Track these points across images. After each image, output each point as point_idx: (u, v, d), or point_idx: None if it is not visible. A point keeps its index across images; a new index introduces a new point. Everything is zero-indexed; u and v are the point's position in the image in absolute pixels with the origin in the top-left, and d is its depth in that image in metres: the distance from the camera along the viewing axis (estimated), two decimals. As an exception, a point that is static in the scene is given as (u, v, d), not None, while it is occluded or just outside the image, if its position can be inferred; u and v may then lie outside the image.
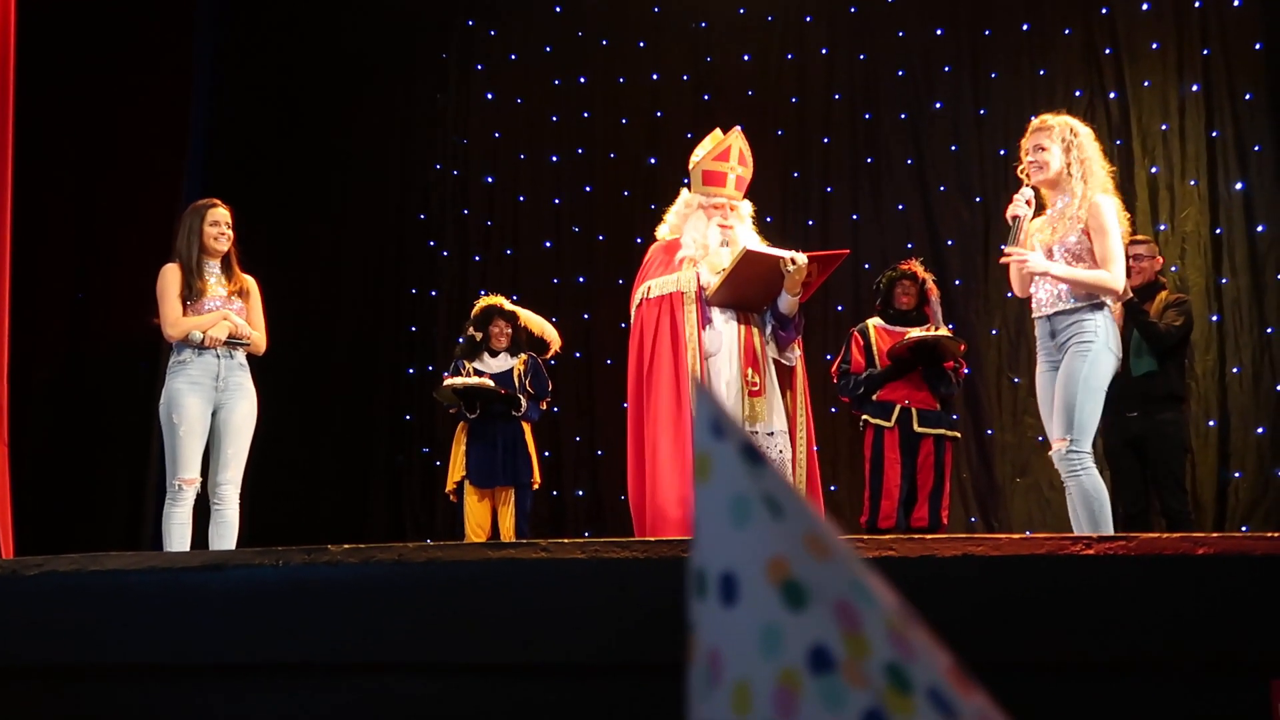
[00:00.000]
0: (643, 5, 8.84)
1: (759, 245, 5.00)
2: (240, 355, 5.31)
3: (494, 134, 9.07)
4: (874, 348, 6.57)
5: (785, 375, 5.12)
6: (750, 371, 4.95)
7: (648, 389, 4.94)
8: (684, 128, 8.62)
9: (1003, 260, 4.65)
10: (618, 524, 8.26)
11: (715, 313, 4.98)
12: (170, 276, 5.29)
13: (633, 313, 5.12)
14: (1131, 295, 6.10)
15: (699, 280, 4.96)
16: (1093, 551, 3.00)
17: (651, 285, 5.06)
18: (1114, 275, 4.45)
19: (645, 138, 8.78)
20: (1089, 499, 4.53)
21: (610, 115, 8.88)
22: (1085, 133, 4.67)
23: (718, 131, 5.32)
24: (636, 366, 5.04)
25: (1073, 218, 4.55)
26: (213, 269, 5.34)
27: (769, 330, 5.09)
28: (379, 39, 9.14)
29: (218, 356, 5.23)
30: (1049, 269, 4.54)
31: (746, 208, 5.23)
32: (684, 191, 5.28)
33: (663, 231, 5.31)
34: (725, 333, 4.97)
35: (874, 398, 6.50)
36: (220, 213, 5.35)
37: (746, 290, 4.96)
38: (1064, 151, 4.62)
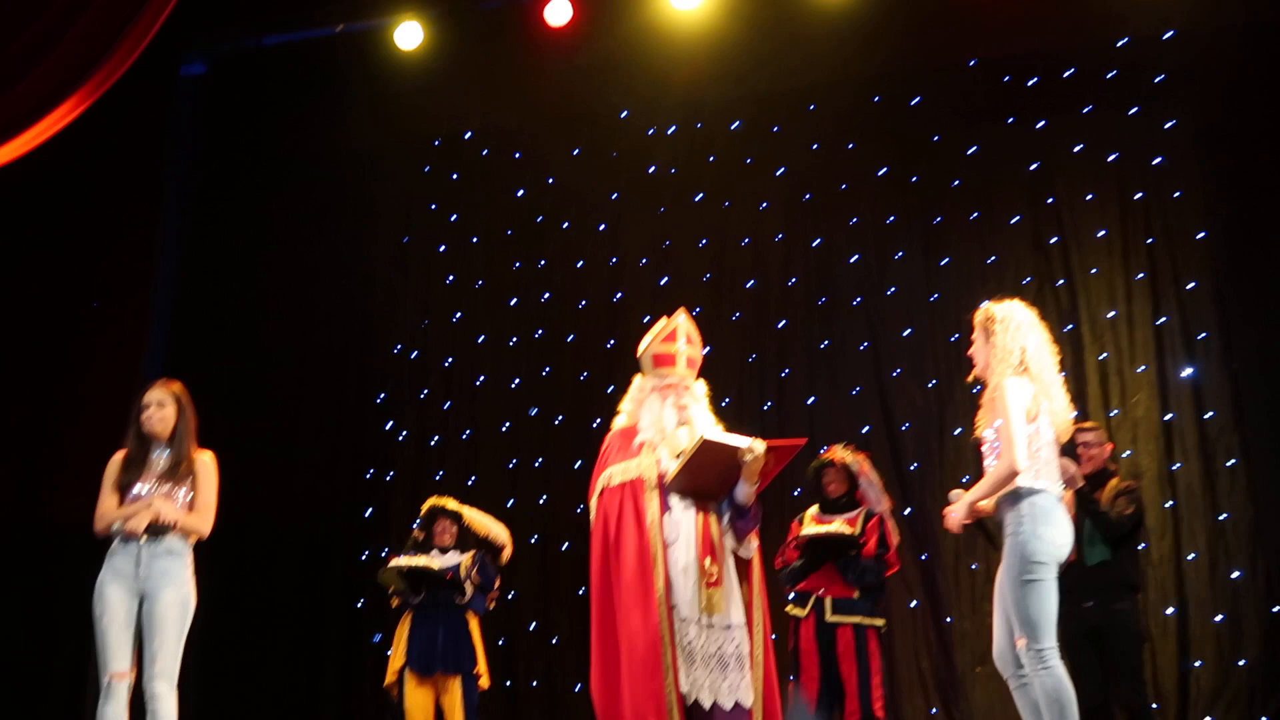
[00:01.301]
0: (602, 190, 9.02)
1: (717, 434, 4.96)
2: (170, 542, 5.15)
3: (454, 316, 9.14)
4: None
5: (743, 566, 5.04)
6: (708, 561, 4.87)
7: (614, 577, 4.86)
8: (643, 310, 8.72)
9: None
10: (573, 716, 8.07)
11: (674, 500, 4.92)
12: (110, 467, 5.24)
13: (594, 502, 5.06)
14: (1082, 483, 6.12)
15: (659, 466, 4.93)
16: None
17: (613, 472, 5.01)
18: (1005, 461, 4.53)
19: (604, 320, 8.85)
20: (1051, 697, 4.45)
21: (569, 298, 8.98)
22: (1006, 318, 4.77)
23: (664, 319, 5.35)
24: (601, 555, 4.96)
25: (988, 407, 4.65)
26: (158, 451, 5.26)
27: (726, 520, 5.01)
28: (342, 220, 9.29)
29: (139, 546, 5.13)
30: (964, 506, 4.68)
31: (700, 388, 5.23)
32: (636, 378, 5.29)
33: (620, 420, 5.29)
34: (684, 521, 4.90)
35: (796, 588, 6.46)
36: (152, 394, 5.27)
37: (704, 479, 4.92)
38: (985, 342, 4.74)
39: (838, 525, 6.41)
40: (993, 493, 4.62)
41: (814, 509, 6.68)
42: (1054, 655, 4.47)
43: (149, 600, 5.11)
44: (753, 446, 4.81)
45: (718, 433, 4.99)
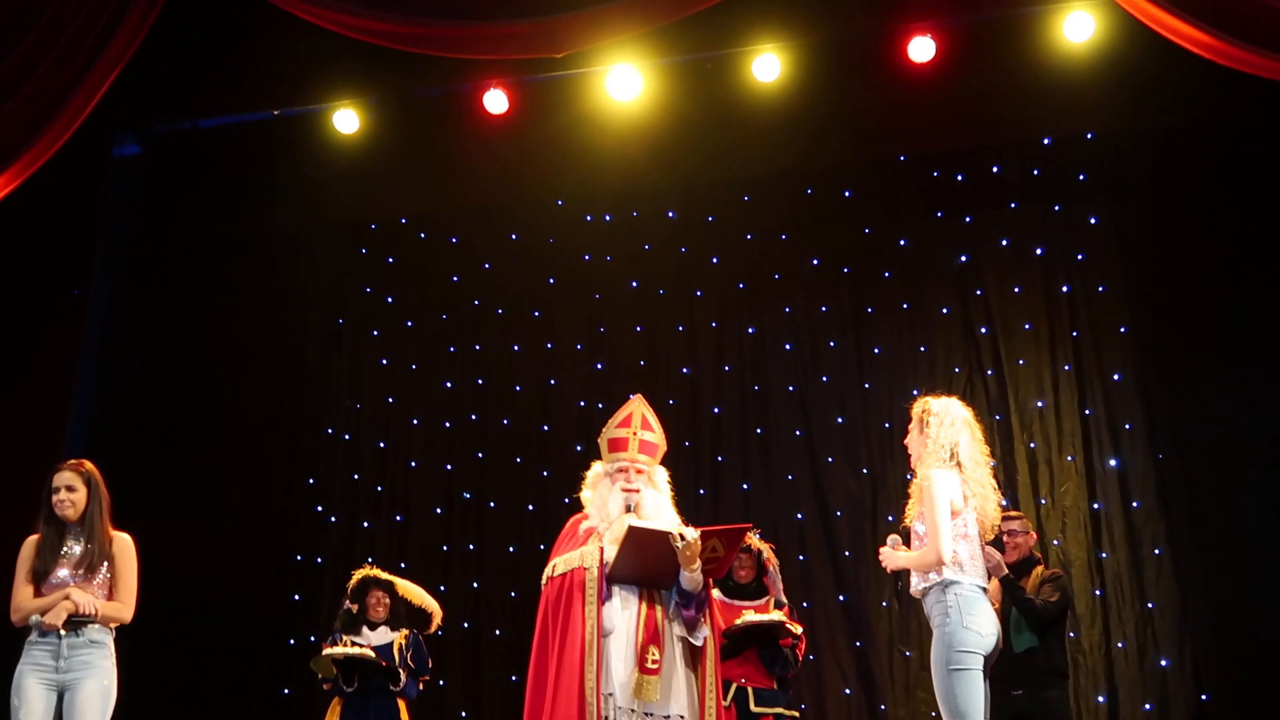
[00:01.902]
0: (538, 276, 9.08)
1: (644, 522, 4.93)
2: (91, 632, 5.05)
3: (387, 399, 9.09)
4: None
5: (692, 656, 4.97)
6: (651, 649, 4.82)
7: (545, 666, 4.82)
8: (577, 395, 8.78)
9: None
10: (502, 806, 7.93)
11: (617, 589, 4.88)
12: (24, 553, 5.11)
13: (542, 587, 5.04)
14: (1007, 571, 6.19)
15: (602, 555, 4.89)
16: None
17: (557, 563, 5.00)
18: (929, 548, 4.66)
19: (539, 404, 8.87)
20: None
21: (504, 382, 8.99)
22: (941, 413, 4.89)
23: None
24: (538, 644, 4.94)
25: (916, 496, 4.76)
26: (72, 536, 5.13)
27: (672, 607, 4.96)
28: (276, 302, 9.23)
29: (59, 637, 5.00)
30: (895, 561, 4.75)
31: (661, 474, 5.22)
32: (594, 464, 5.30)
33: (584, 502, 5.28)
34: (624, 609, 4.87)
35: None
36: (61, 476, 5.16)
37: (645, 566, 4.88)
38: (919, 434, 4.87)
39: (774, 613, 6.40)
40: (913, 568, 4.75)
41: (717, 593, 6.64)
42: None
43: (70, 691, 5.00)
44: (683, 533, 4.78)
45: (643, 521, 4.96)
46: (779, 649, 6.39)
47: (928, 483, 4.72)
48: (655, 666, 4.80)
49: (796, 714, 6.46)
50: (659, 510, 5.05)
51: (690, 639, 4.95)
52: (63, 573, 5.05)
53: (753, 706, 6.30)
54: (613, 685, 4.73)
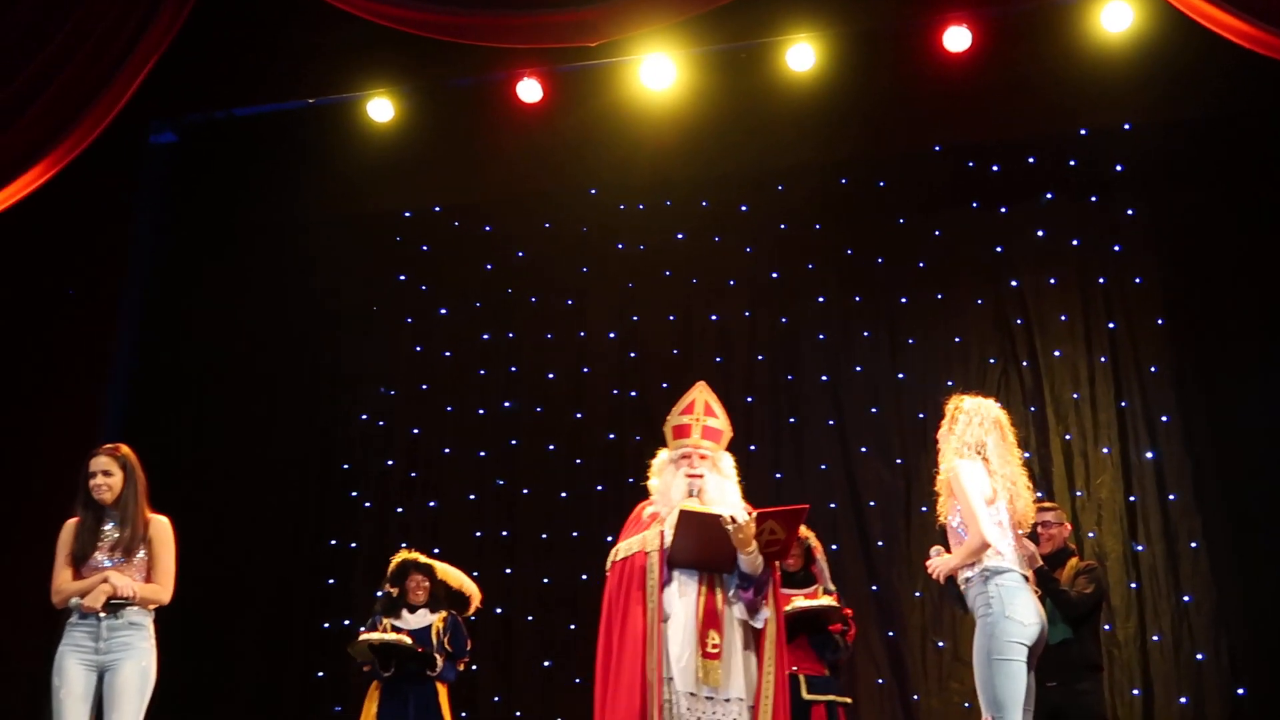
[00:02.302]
0: (571, 265, 9.09)
1: (695, 504, 4.96)
2: (131, 614, 5.12)
3: (421, 386, 9.13)
4: None
5: (752, 638, 5.00)
6: (711, 633, 4.85)
7: (608, 652, 4.89)
8: (610, 384, 8.79)
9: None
10: (535, 790, 7.98)
11: (677, 573, 4.93)
12: (63, 536, 5.17)
13: (607, 571, 5.12)
14: (1041, 563, 6.17)
15: (663, 539, 4.94)
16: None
17: (619, 549, 5.08)
18: (972, 536, 4.64)
19: (571, 393, 8.88)
20: None
21: (537, 370, 9.00)
22: (973, 411, 4.89)
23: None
24: (603, 630, 5.00)
25: (944, 490, 4.74)
26: (109, 520, 5.19)
27: (732, 590, 4.99)
28: (310, 290, 9.28)
29: (99, 619, 5.06)
30: (945, 566, 4.74)
31: (726, 460, 5.26)
32: (660, 453, 5.34)
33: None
34: (683, 593, 4.91)
35: None
36: (98, 461, 5.21)
37: (703, 550, 4.91)
38: (949, 430, 4.87)
39: (824, 599, 6.41)
40: (965, 563, 4.70)
41: None
42: None
43: (110, 673, 5.08)
44: (733, 516, 4.80)
45: (695, 503, 4.99)
46: (829, 635, 6.40)
47: (954, 474, 4.71)
48: (716, 650, 4.84)
49: (849, 700, 6.48)
50: (723, 495, 5.07)
51: (751, 621, 4.98)
52: (101, 556, 5.11)
53: (805, 694, 6.29)
54: (672, 669, 4.77)
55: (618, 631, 4.86)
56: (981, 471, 4.74)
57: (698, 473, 5.10)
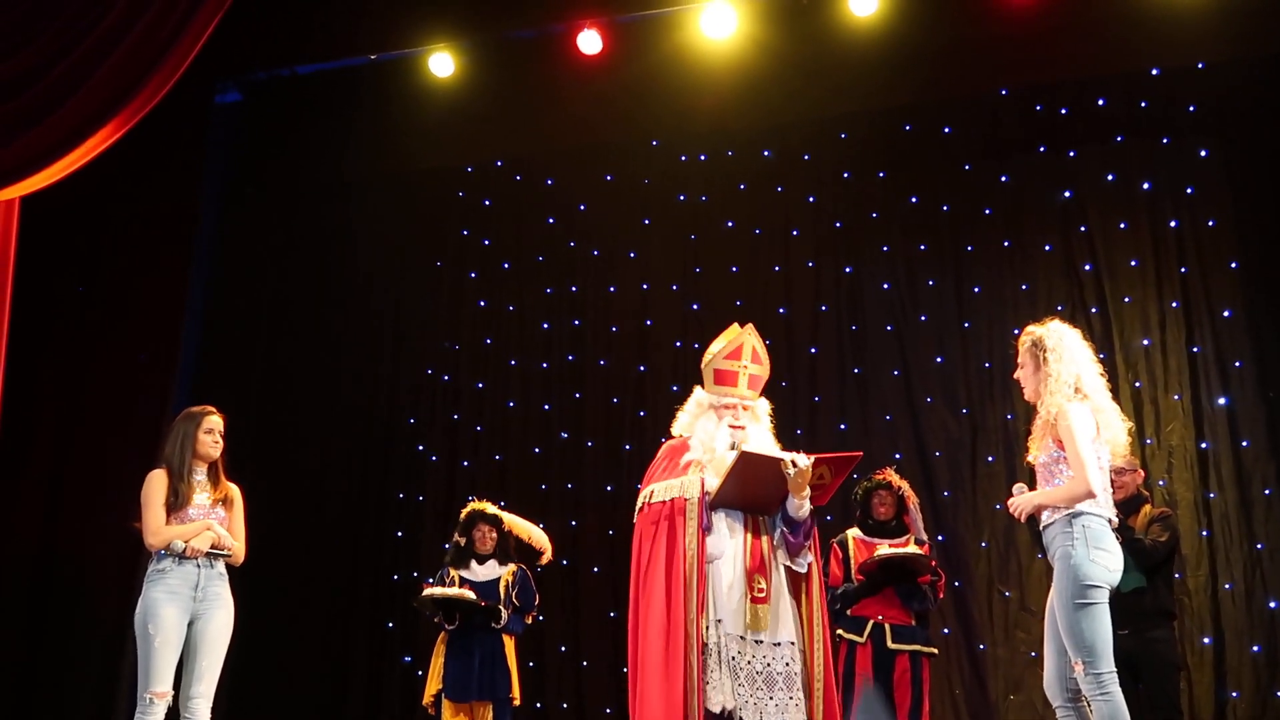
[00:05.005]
0: (633, 217, 9.07)
1: (758, 447, 4.91)
2: (220, 565, 5.28)
3: (486, 340, 9.18)
4: (852, 560, 6.50)
5: (797, 583, 4.96)
6: (758, 577, 4.81)
7: (645, 596, 4.82)
8: (673, 336, 8.78)
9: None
10: (602, 738, 8.06)
11: (720, 516, 4.85)
12: (156, 483, 5.27)
13: (636, 514, 5.03)
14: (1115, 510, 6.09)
15: (703, 486, 4.85)
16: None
17: (654, 489, 4.97)
18: (1078, 480, 4.48)
19: (635, 345, 8.89)
20: None
21: (601, 323, 9.01)
22: (1056, 342, 4.70)
23: (734, 326, 5.30)
24: (635, 581, 4.92)
25: (1042, 431, 4.60)
26: (199, 476, 5.33)
27: (778, 534, 4.95)
28: (374, 246, 9.35)
29: (198, 567, 5.20)
30: (1031, 501, 4.58)
31: (763, 407, 5.18)
32: (696, 390, 5.23)
33: (676, 429, 5.24)
34: (730, 537, 4.85)
35: (848, 612, 6.38)
36: (215, 420, 5.40)
37: (751, 492, 4.85)
38: (1035, 369, 4.69)
39: (911, 549, 6.37)
40: (1061, 504, 4.53)
41: (855, 531, 6.65)
42: (1113, 681, 4.39)
43: (200, 621, 5.19)
44: (795, 460, 4.76)
45: (758, 445, 4.95)
46: (917, 585, 6.36)
47: (1064, 418, 4.51)
48: (763, 595, 4.79)
49: (934, 651, 6.45)
50: (764, 444, 5.02)
51: (793, 565, 4.94)
52: (193, 510, 5.23)
53: (889, 643, 6.29)
54: (721, 611, 4.73)
55: (656, 572, 4.78)
56: (1088, 413, 4.58)
57: (741, 424, 5.02)
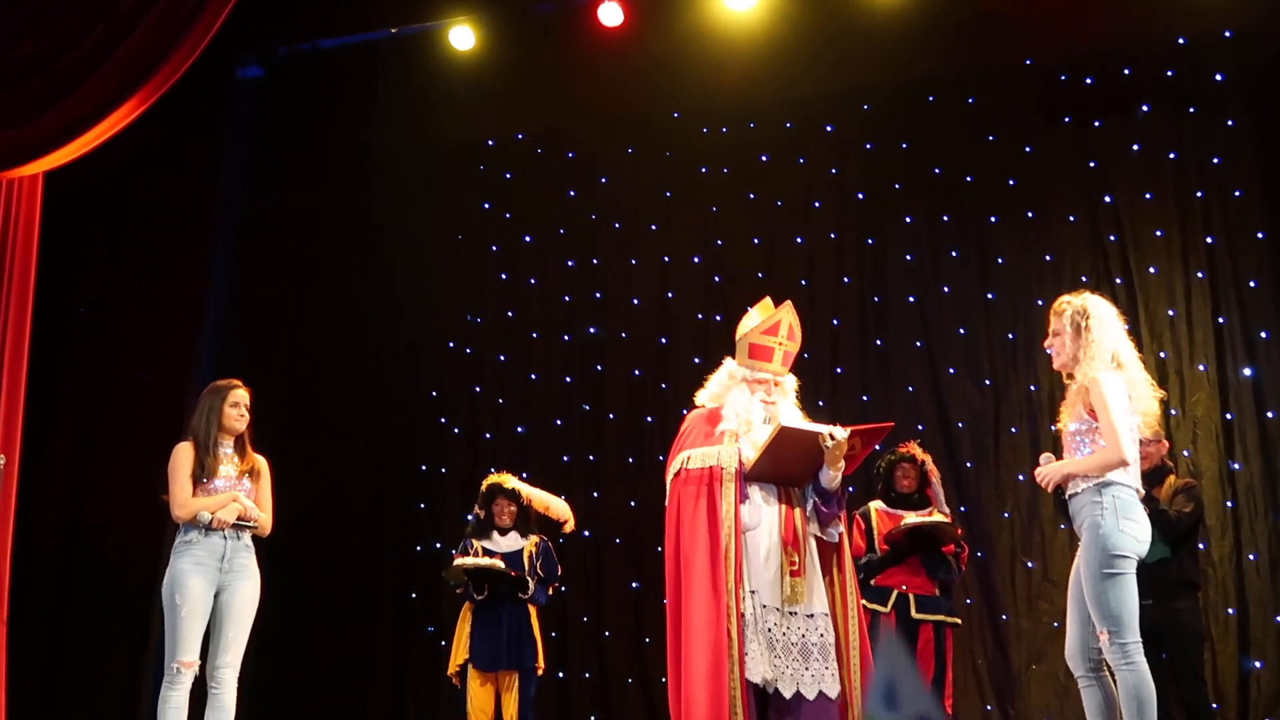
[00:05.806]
0: (654, 190, 9.05)
1: (797, 421, 4.94)
2: (246, 537, 5.32)
3: (507, 313, 9.20)
4: (875, 531, 6.52)
5: (827, 554, 4.97)
6: (791, 550, 4.82)
7: (685, 565, 4.83)
8: (695, 308, 8.77)
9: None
10: (624, 708, 8.12)
11: (755, 487, 4.87)
12: (183, 455, 5.31)
13: (669, 480, 5.03)
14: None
15: (740, 456, 4.87)
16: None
17: (691, 455, 4.96)
18: (1110, 448, 4.46)
19: (657, 318, 8.89)
20: (1131, 694, 4.37)
21: (622, 296, 9.01)
22: (1099, 313, 4.68)
23: (768, 301, 5.28)
24: (673, 545, 4.93)
25: (1075, 400, 4.58)
26: (226, 449, 5.37)
27: (809, 506, 4.96)
28: (395, 220, 9.37)
29: (224, 538, 5.24)
30: (1060, 470, 4.57)
31: (791, 383, 5.19)
32: (728, 360, 5.22)
33: (703, 398, 5.23)
34: (765, 509, 4.87)
35: (872, 583, 6.39)
36: (241, 394, 5.43)
37: (786, 466, 4.87)
38: (1074, 337, 4.66)
39: (937, 518, 6.38)
40: (1093, 472, 4.51)
41: (878, 503, 6.66)
42: (1138, 651, 4.39)
43: (227, 591, 5.24)
44: (833, 433, 4.77)
45: (796, 420, 4.96)
46: (942, 555, 6.38)
47: (1097, 387, 4.50)
48: (797, 567, 4.80)
49: (959, 621, 6.47)
50: (795, 420, 5.04)
51: (825, 535, 4.96)
52: (219, 482, 5.26)
53: (913, 613, 6.32)
54: (756, 582, 4.74)
55: (690, 544, 4.79)
56: (1123, 383, 4.58)
57: (772, 400, 5.03)
